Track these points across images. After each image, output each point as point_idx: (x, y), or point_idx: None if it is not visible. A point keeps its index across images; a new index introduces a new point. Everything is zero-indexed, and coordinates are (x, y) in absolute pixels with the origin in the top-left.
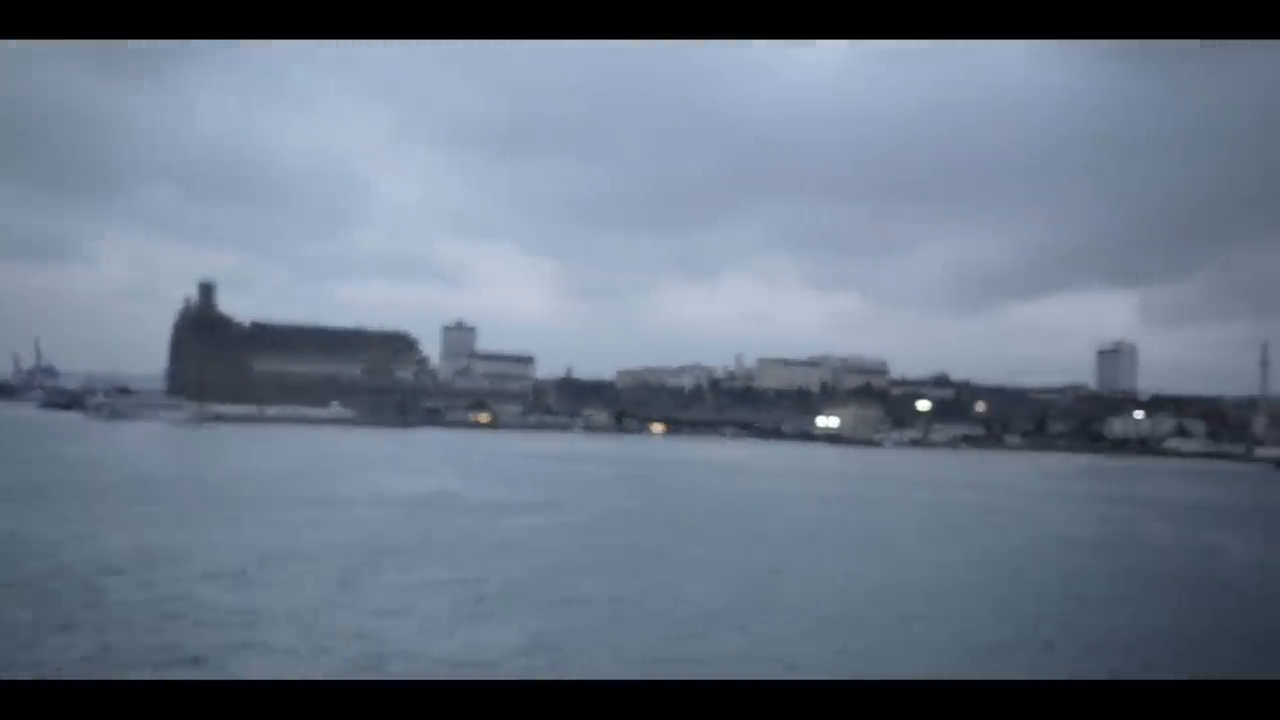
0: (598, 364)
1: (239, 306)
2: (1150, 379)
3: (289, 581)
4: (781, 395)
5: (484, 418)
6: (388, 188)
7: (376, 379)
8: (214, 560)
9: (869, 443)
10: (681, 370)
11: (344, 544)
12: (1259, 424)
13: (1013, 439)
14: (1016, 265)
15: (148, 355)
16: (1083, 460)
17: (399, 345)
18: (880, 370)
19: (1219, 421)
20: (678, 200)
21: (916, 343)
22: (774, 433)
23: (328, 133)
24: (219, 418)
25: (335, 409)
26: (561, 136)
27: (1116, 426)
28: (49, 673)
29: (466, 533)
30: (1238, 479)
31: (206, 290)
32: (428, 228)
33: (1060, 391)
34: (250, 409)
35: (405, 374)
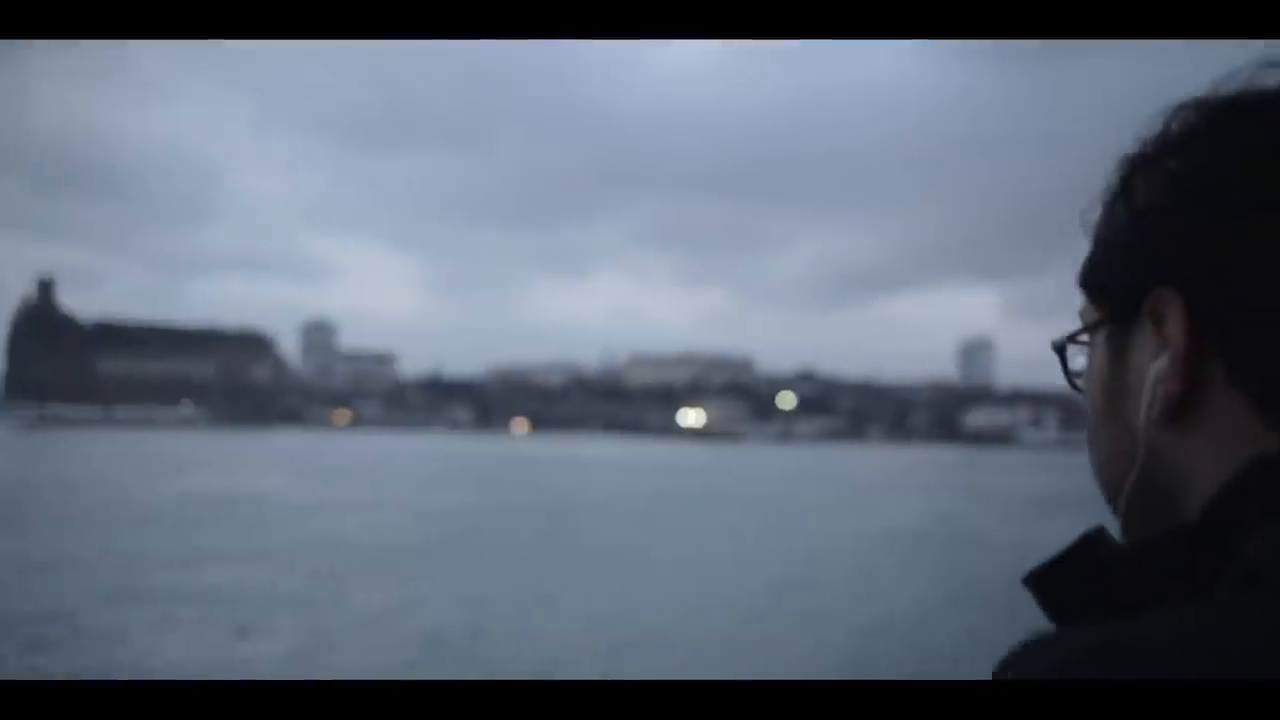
0: (465, 361)
1: (87, 304)
2: (1010, 372)
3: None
4: (648, 392)
5: (344, 417)
6: (244, 182)
7: (231, 379)
8: None
9: (733, 438)
10: (548, 368)
11: (103, 551)
12: None
13: (874, 432)
14: (881, 261)
15: None
16: (939, 453)
17: (255, 343)
18: (746, 366)
19: (1072, 413)
20: (546, 196)
21: (783, 338)
22: (639, 429)
23: (181, 126)
24: (58, 421)
25: (186, 410)
26: (427, 130)
27: (974, 419)
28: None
29: (259, 536)
30: (1081, 468)
31: (45, 287)
32: (287, 223)
33: (921, 387)
34: (95, 411)
35: (262, 373)
